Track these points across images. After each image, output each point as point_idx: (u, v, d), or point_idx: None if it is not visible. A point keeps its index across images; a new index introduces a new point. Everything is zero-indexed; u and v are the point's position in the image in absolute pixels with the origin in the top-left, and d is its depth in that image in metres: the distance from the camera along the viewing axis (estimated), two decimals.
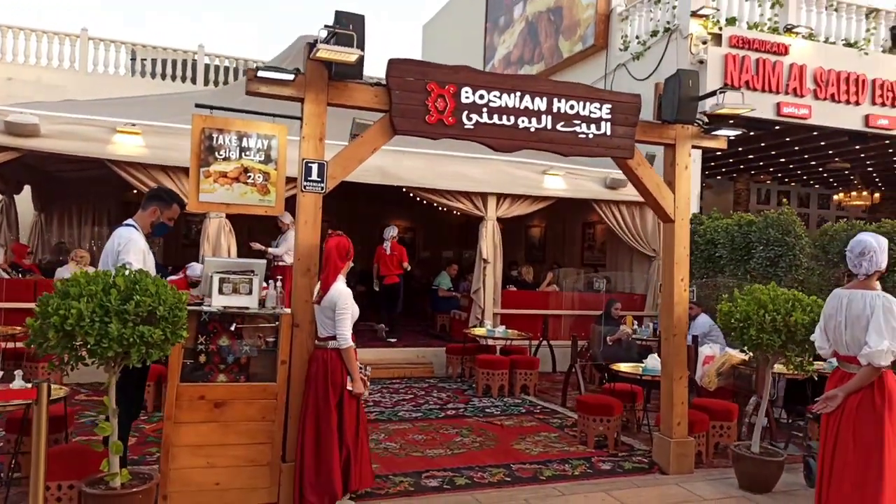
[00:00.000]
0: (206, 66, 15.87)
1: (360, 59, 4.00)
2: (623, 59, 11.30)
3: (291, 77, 4.03)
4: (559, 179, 9.35)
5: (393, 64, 4.28)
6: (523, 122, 4.57)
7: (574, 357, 7.03)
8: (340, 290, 3.91)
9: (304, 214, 4.13)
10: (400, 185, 8.68)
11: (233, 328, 3.99)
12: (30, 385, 3.48)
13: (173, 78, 15.58)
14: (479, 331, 8.28)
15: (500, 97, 4.51)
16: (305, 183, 4.11)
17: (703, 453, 5.20)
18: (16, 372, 3.91)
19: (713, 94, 5.09)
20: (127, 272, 3.41)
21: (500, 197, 9.14)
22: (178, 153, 7.64)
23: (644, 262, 10.09)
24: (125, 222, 4.10)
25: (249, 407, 3.94)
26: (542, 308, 9.30)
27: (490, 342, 8.23)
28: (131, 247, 3.87)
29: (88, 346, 3.17)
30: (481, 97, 4.46)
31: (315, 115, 4.16)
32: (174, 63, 15.74)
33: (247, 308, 4.05)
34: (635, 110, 4.87)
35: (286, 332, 4.03)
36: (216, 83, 15.84)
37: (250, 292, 4.08)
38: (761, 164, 13.75)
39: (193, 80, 15.69)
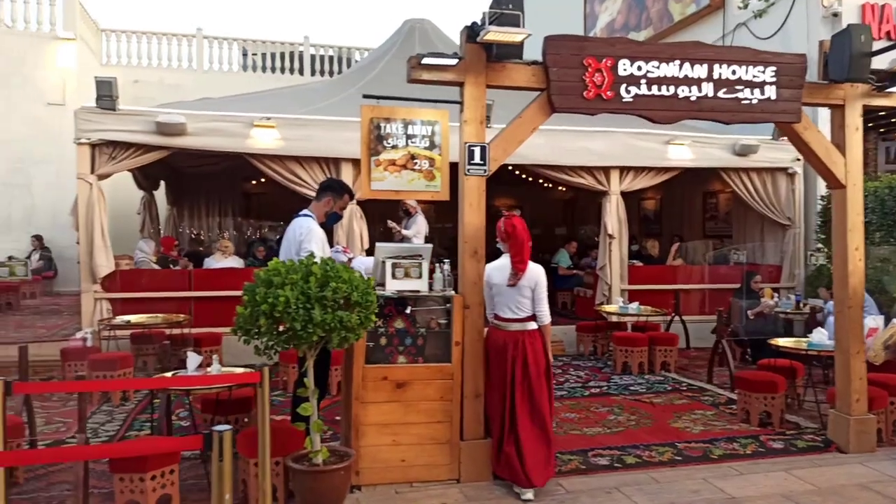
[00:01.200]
0: (312, 57, 16.31)
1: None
2: (742, 19, 10.70)
3: (454, 62, 4.05)
4: (684, 149, 9.01)
5: (549, 41, 4.23)
6: (683, 91, 4.42)
7: (719, 333, 6.80)
8: (539, 269, 3.98)
9: (468, 197, 4.18)
10: (524, 164, 8.63)
11: (408, 311, 4.11)
12: (240, 369, 3.73)
13: (282, 70, 16.13)
14: (610, 308, 8.16)
15: (658, 67, 4.37)
16: (469, 166, 4.15)
17: (882, 431, 4.93)
18: (213, 356, 4.20)
19: (894, 47, 4.74)
20: (316, 261, 3.57)
21: (624, 170, 8.93)
22: (310, 143, 7.94)
23: (776, 231, 9.59)
24: (302, 212, 4.29)
25: (428, 387, 4.06)
26: (671, 283, 9.04)
27: (621, 319, 8.09)
28: (312, 236, 4.05)
29: (295, 331, 3.35)
30: (639, 68, 4.34)
31: (475, 98, 4.18)
32: (282, 56, 16.27)
33: (418, 291, 4.16)
34: (801, 71, 4.60)
35: (458, 313, 4.11)
36: (321, 73, 16.28)
37: (420, 276, 4.19)
38: (893, 120, 12.72)
39: (301, 72, 16.19)
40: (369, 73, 10.54)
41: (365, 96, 4.44)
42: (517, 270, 3.93)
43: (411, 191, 4.20)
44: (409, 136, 4.18)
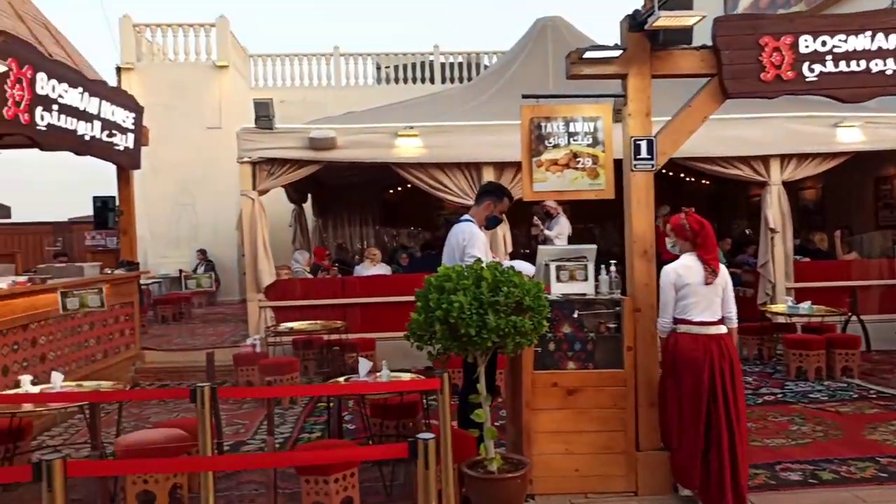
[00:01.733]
0: (442, 65, 16.56)
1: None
2: None
3: (617, 53, 3.88)
4: (855, 131, 8.17)
5: (720, 22, 3.94)
6: (877, 65, 3.96)
7: None
8: (724, 267, 3.72)
9: (636, 194, 3.98)
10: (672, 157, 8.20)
11: (575, 315, 3.97)
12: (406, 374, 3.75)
13: (413, 80, 16.50)
14: (776, 307, 7.54)
15: (845, 41, 3.95)
16: (635, 161, 3.95)
17: None
18: (382, 362, 4.28)
19: None
20: (483, 265, 3.53)
21: (785, 158, 8.23)
22: (451, 150, 8.01)
23: None
24: (463, 217, 4.28)
25: (600, 394, 3.90)
26: (846, 279, 8.21)
27: (790, 320, 7.44)
28: (476, 241, 4.03)
29: (470, 337, 3.32)
30: (823, 44, 3.94)
31: (640, 90, 3.97)
32: (413, 66, 16.65)
33: (585, 294, 4.02)
34: None
35: (629, 317, 3.92)
36: (452, 80, 16.48)
37: (586, 278, 4.04)
38: None
39: (432, 80, 16.48)
40: (504, 76, 10.48)
41: (524, 96, 4.36)
42: (714, 268, 3.65)
43: (574, 190, 4.07)
44: (570, 134, 4.05)
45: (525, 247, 10.79)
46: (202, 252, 13.97)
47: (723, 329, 3.69)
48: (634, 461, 3.90)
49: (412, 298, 7.55)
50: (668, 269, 3.67)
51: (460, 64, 16.68)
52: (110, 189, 8.21)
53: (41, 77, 5.33)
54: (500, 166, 8.07)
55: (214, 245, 14.35)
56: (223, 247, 14.45)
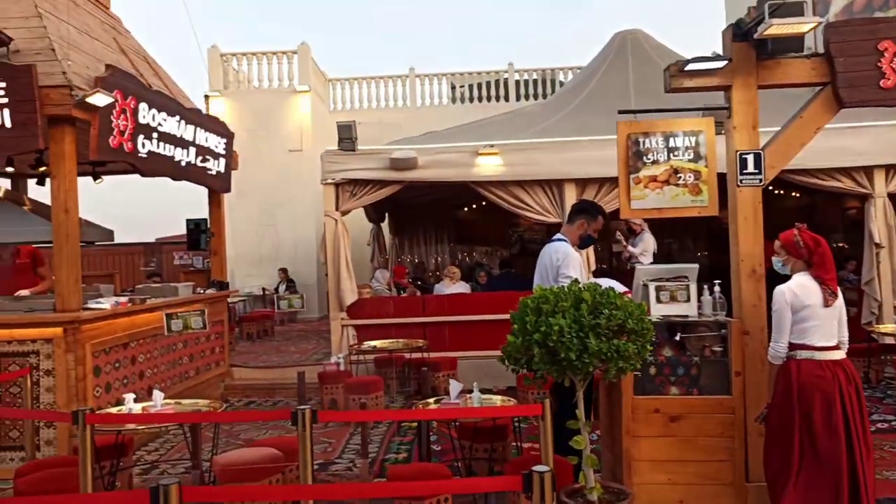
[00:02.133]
0: (517, 83, 16.53)
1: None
2: None
3: (721, 64, 3.71)
4: None
5: (832, 28, 3.72)
6: None
7: None
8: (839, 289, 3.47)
9: (743, 211, 3.77)
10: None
11: (677, 338, 3.79)
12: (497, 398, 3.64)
13: (488, 98, 16.53)
14: (885, 327, 7.03)
15: None
16: (742, 176, 3.75)
17: None
18: (474, 384, 4.20)
19: None
20: (580, 287, 3.41)
21: (890, 169, 7.72)
22: (533, 167, 7.91)
23: None
24: (555, 237, 4.18)
25: (706, 422, 3.69)
26: None
27: None
28: (570, 261, 3.92)
29: (570, 361, 3.20)
30: None
31: (745, 102, 3.78)
32: (487, 84, 16.70)
33: (687, 316, 3.83)
34: None
35: (737, 340, 3.70)
36: (527, 97, 16.41)
37: (688, 299, 3.85)
38: None
39: (506, 98, 16.47)
40: (582, 91, 10.33)
41: (621, 112, 4.23)
42: (833, 289, 3.40)
43: (674, 207, 3.90)
44: (670, 150, 3.89)
45: (603, 262, 10.54)
46: (283, 271, 14.34)
47: (843, 354, 3.43)
48: (744, 493, 3.66)
49: (494, 317, 7.55)
50: (783, 290, 3.42)
51: (535, 81, 16.61)
52: (192, 211, 8.54)
53: (143, 107, 5.60)
54: (582, 183, 7.91)
55: (295, 264, 14.71)
56: (303, 265, 14.79)
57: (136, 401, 4.23)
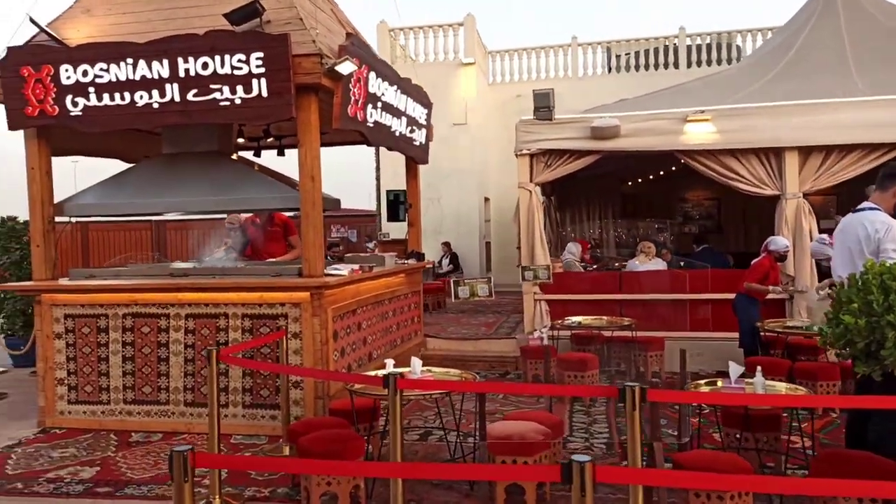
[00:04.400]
0: (689, 48, 15.50)
1: None
2: None
3: None
4: None
5: None
6: None
7: None
8: None
9: None
10: None
11: None
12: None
13: (655, 67, 15.65)
14: None
15: None
16: None
17: None
18: (757, 369, 3.83)
19: None
20: None
21: None
22: (747, 134, 7.27)
23: None
24: (864, 206, 3.69)
25: None
26: None
27: None
28: (894, 232, 3.43)
29: None
30: None
31: None
32: (655, 51, 15.80)
33: None
34: None
35: None
36: (699, 64, 15.37)
37: None
38: None
39: (675, 65, 15.51)
40: (787, 52, 9.41)
41: None
42: None
43: None
44: None
45: None
46: (447, 244, 14.44)
47: None
48: None
49: (702, 296, 6.93)
50: None
51: (708, 46, 15.49)
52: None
53: (372, 76, 5.62)
54: (806, 151, 7.19)
55: (457, 237, 14.78)
56: (466, 238, 14.83)
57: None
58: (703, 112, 7.36)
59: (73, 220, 5.94)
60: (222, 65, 4.78)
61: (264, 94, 4.79)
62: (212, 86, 4.83)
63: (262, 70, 4.76)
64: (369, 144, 5.96)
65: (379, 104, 5.88)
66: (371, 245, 15.56)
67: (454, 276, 13.80)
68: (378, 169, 15.35)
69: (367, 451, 4.16)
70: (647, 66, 15.75)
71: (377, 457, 4.23)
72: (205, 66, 4.81)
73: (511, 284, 16.17)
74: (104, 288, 5.34)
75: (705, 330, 7.34)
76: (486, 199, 16.02)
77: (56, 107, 5.07)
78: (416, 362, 4.19)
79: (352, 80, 5.18)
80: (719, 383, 3.97)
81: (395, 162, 14.31)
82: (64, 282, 5.56)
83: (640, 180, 13.89)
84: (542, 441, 3.74)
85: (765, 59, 9.81)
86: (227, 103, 4.83)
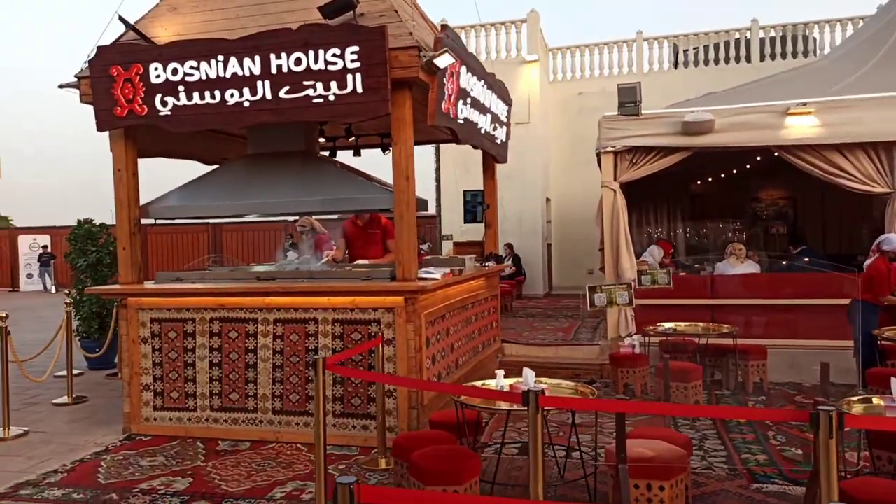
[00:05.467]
0: (761, 41, 14.85)
1: None
2: None
3: None
4: None
5: None
6: None
7: None
8: None
9: None
10: None
11: None
12: None
13: (726, 61, 15.05)
14: None
15: None
16: None
17: None
18: None
19: None
20: None
21: None
22: (856, 127, 6.76)
23: None
24: None
25: None
26: None
27: None
28: None
29: None
30: None
31: None
32: (726, 45, 15.19)
33: None
34: None
35: None
36: (772, 57, 14.71)
37: None
38: None
39: (748, 59, 14.89)
40: (886, 41, 8.81)
41: None
42: None
43: None
44: None
45: None
46: (509, 246, 14.12)
47: None
48: None
49: (807, 302, 6.28)
50: None
51: (783, 38, 14.81)
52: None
53: (463, 70, 5.36)
54: None
55: (519, 238, 14.45)
56: (528, 239, 14.49)
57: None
58: (805, 104, 6.87)
59: (157, 222, 5.82)
60: (316, 60, 4.57)
61: (359, 89, 4.56)
62: (305, 82, 4.62)
63: (358, 65, 4.53)
64: (458, 142, 5.69)
65: (469, 100, 5.62)
66: (425, 248, 15.36)
67: (515, 275, 13.44)
68: (438, 169, 15.13)
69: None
70: (716, 61, 15.18)
71: (494, 475, 3.94)
72: (298, 61, 4.61)
73: (572, 287, 15.80)
74: (192, 291, 5.19)
75: (810, 338, 6.84)
76: (548, 200, 15.64)
77: (145, 106, 4.94)
78: (529, 374, 3.89)
79: (446, 74, 4.92)
80: (876, 401, 3.56)
81: (457, 160, 14.05)
82: (150, 285, 5.45)
83: (710, 179, 13.35)
84: (680, 465, 3.40)
85: (858, 51, 9.21)
86: (321, 100, 4.62)
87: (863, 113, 6.76)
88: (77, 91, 5.16)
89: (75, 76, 5.18)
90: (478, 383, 4.30)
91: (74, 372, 6.92)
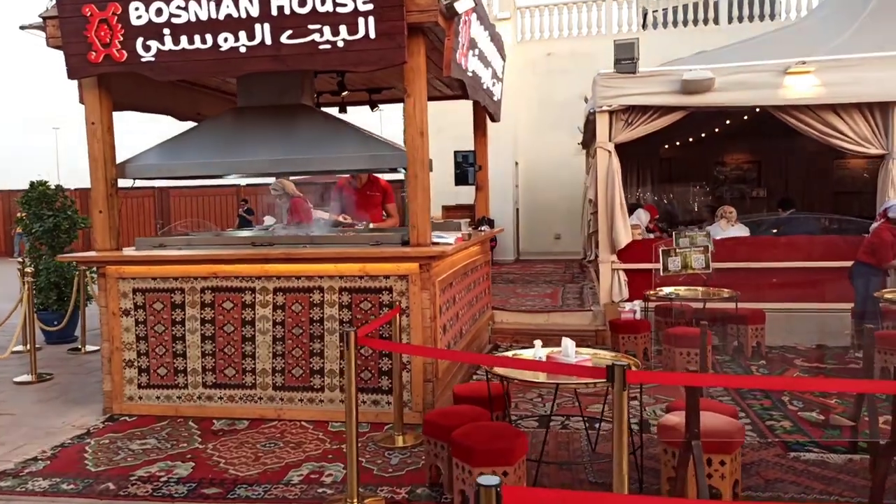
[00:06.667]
0: (729, 3, 14.78)
1: None
2: None
3: None
4: None
5: None
6: None
7: None
8: None
9: None
10: None
11: None
12: None
13: (695, 23, 14.94)
14: None
15: None
16: None
17: None
18: None
19: None
20: None
21: None
22: (856, 87, 6.69)
23: None
24: None
25: None
26: None
27: None
28: None
29: None
30: None
31: None
32: (695, 6, 15.07)
33: None
34: None
35: None
36: (740, 20, 14.66)
37: None
38: None
39: (716, 21, 14.80)
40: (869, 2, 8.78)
41: None
42: None
43: None
44: None
45: None
46: None
47: None
48: None
49: (800, 264, 6.18)
50: None
51: (750, 1, 14.76)
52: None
53: (474, 17, 4.97)
54: None
55: (490, 202, 14.14)
56: (498, 203, 14.20)
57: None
58: (804, 63, 6.76)
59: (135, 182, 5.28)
60: (323, 1, 4.11)
61: (372, 35, 4.13)
62: (310, 26, 4.16)
63: (371, 7, 4.09)
64: (466, 97, 5.32)
65: (477, 51, 5.24)
66: None
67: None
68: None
69: None
70: (684, 23, 15.03)
71: (541, 454, 3.69)
72: (302, 2, 4.14)
73: (539, 252, 15.70)
74: (181, 259, 4.72)
75: (807, 301, 6.83)
76: (515, 164, 15.38)
77: (124, 52, 4.39)
78: (569, 343, 3.64)
79: (461, 21, 4.53)
80: None
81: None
82: (130, 252, 4.94)
83: (677, 143, 13.34)
84: (739, 438, 3.24)
85: (842, 11, 9.16)
86: (328, 46, 4.17)
87: (863, 73, 6.68)
88: (43, 33, 4.54)
89: (40, 16, 4.55)
90: (509, 354, 4.04)
91: None
